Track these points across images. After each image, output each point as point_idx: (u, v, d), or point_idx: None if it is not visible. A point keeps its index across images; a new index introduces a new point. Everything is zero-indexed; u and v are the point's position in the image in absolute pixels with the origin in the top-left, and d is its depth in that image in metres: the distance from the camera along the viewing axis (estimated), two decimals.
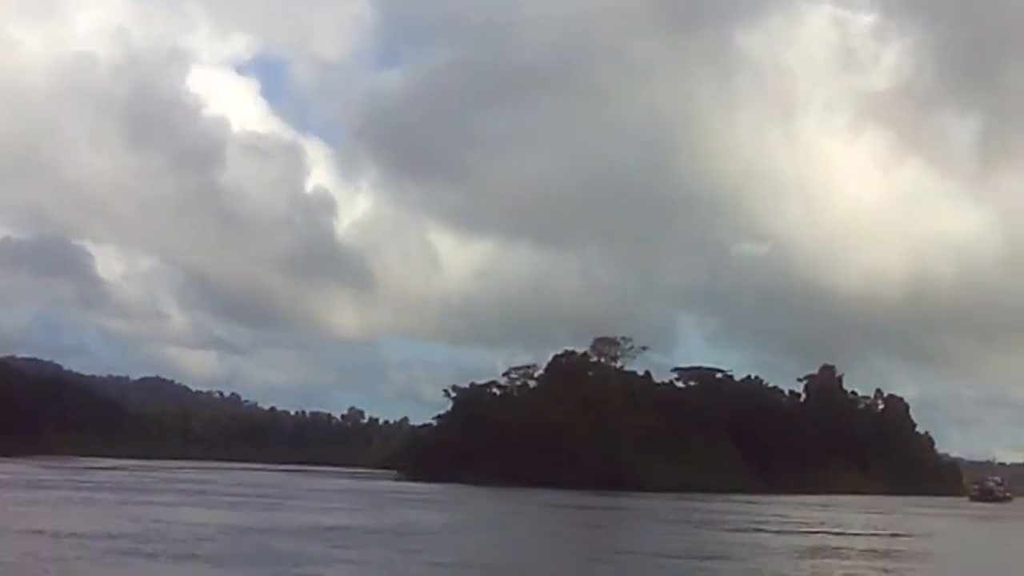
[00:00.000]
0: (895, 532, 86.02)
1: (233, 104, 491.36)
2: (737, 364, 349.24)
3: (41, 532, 46.90)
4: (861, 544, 67.20)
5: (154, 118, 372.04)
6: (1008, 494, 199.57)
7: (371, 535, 55.03)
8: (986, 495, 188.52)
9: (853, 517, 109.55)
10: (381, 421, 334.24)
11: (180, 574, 36.07)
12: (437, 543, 52.79)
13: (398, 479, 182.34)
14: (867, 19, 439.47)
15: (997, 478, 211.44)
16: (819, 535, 75.71)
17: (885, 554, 60.13)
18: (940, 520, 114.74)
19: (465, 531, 65.70)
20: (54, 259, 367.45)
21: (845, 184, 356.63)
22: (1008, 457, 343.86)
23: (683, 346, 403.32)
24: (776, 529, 79.81)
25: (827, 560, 54.16)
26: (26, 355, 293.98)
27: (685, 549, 56.56)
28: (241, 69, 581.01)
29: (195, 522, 57.67)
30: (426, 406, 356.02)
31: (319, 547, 45.94)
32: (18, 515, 56.55)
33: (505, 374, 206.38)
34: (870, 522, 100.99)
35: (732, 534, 72.56)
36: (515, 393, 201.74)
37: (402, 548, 48.09)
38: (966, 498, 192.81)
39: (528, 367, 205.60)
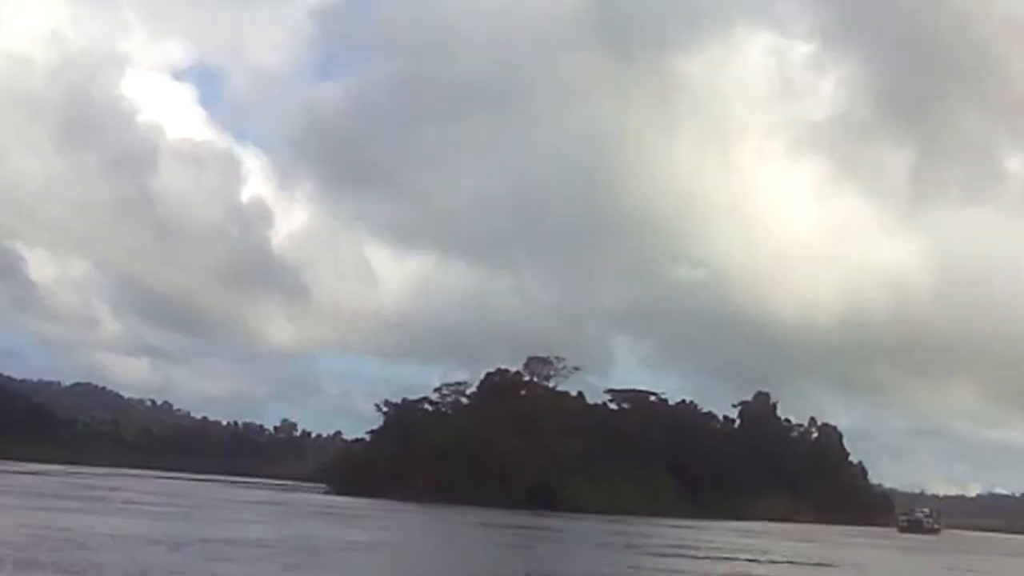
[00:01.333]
0: (819, 562, 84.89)
1: (169, 110, 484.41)
2: (672, 388, 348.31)
3: None
4: (783, 573, 65.89)
5: (89, 122, 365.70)
6: (936, 526, 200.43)
7: (264, 548, 52.70)
8: (915, 526, 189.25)
9: (781, 545, 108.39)
10: (314, 435, 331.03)
11: None
12: (331, 559, 50.57)
13: (327, 492, 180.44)
14: (805, 48, 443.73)
15: (926, 510, 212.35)
16: (741, 562, 74.21)
17: None
18: (867, 551, 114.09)
19: (372, 547, 63.37)
20: None
21: (781, 211, 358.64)
22: (941, 489, 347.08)
23: (619, 368, 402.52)
24: (700, 555, 78.35)
25: None
26: None
27: (596, 572, 54.87)
28: (178, 75, 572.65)
29: (83, 530, 55.06)
30: (360, 421, 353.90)
31: (196, 560, 43.61)
32: None
33: (437, 390, 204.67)
34: (796, 550, 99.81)
35: (654, 558, 71.00)
36: (447, 410, 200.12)
37: (289, 563, 45.84)
38: (895, 529, 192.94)
39: (460, 384, 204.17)
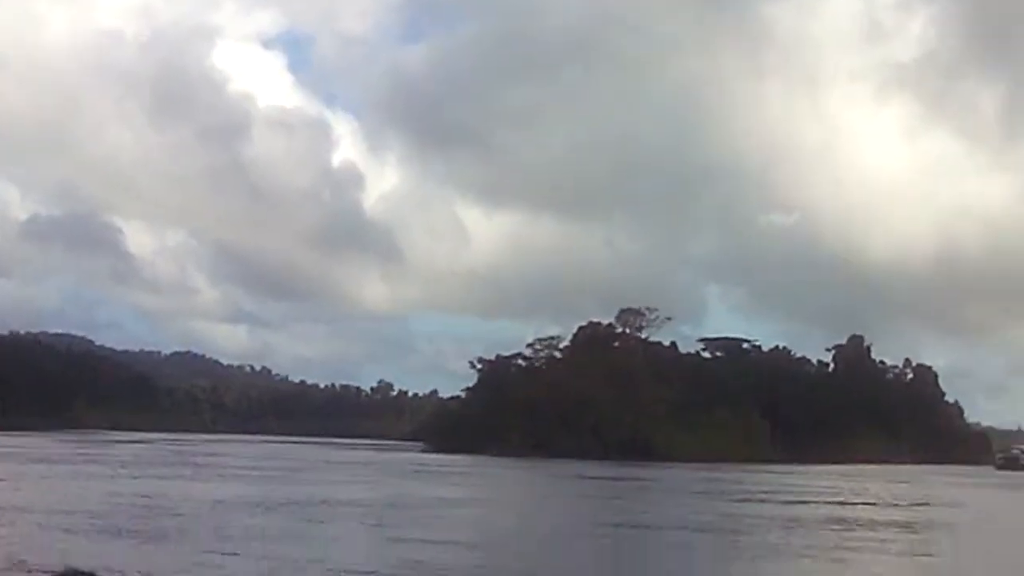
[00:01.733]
0: (915, 502, 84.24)
1: (259, 79, 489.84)
2: (765, 335, 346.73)
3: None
4: (877, 514, 65.64)
5: (180, 94, 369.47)
6: None
7: (358, 508, 53.91)
8: (1012, 463, 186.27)
9: (876, 486, 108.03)
10: (410, 394, 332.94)
11: (101, 550, 34.61)
12: (420, 517, 51.49)
13: (424, 451, 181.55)
14: None
15: (1023, 447, 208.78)
16: (835, 505, 74.13)
17: (905, 525, 58.50)
18: (963, 490, 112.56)
19: (462, 503, 64.40)
20: (84, 235, 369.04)
21: (872, 154, 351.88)
22: None
23: (711, 317, 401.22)
24: (795, 500, 78.36)
25: (840, 531, 52.39)
26: (58, 331, 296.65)
27: (697, 521, 55.16)
28: (267, 44, 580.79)
29: (183, 496, 56.79)
30: (455, 379, 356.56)
31: (290, 521, 44.84)
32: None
33: (530, 345, 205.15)
34: (892, 491, 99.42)
35: (747, 504, 71.11)
36: (540, 365, 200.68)
37: (377, 522, 46.87)
38: (992, 467, 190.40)
39: (553, 338, 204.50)
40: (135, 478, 73.75)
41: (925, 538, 50.73)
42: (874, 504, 78.40)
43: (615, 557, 39.18)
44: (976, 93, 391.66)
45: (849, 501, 79.72)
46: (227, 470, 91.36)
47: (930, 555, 42.60)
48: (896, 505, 79.44)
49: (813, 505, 73.46)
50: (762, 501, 75.08)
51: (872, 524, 57.88)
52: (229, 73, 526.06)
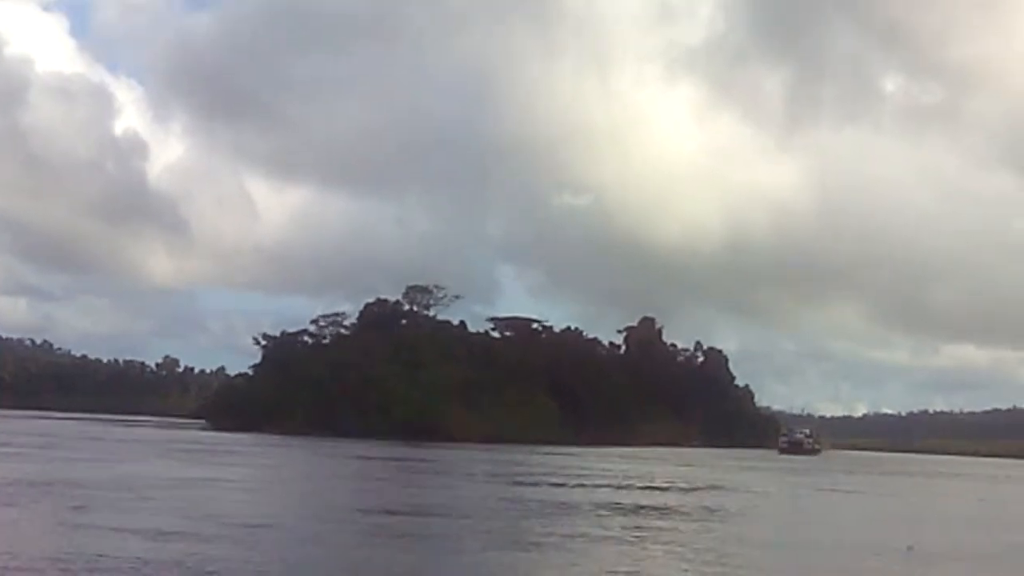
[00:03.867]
0: (692, 487, 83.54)
1: (38, 43, 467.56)
2: (559, 316, 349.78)
3: None
4: (646, 499, 63.83)
5: None
6: (817, 446, 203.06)
7: (77, 489, 48.64)
8: (795, 447, 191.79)
9: (657, 470, 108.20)
10: (197, 371, 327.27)
11: None
12: (145, 499, 46.64)
13: (205, 429, 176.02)
14: None
15: (806, 430, 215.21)
16: (614, 489, 72.77)
17: (664, 509, 56.68)
18: (743, 474, 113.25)
19: (212, 485, 59.42)
20: None
21: (662, 137, 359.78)
22: (828, 410, 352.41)
23: (505, 297, 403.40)
24: (579, 483, 76.85)
25: (601, 516, 49.86)
26: None
27: (464, 505, 52.16)
28: (46, 7, 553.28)
29: None
30: (244, 356, 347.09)
31: None
32: None
33: (314, 322, 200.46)
34: (671, 475, 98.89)
35: (530, 488, 68.23)
36: (326, 342, 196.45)
37: (82, 504, 41.91)
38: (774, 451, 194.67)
39: (338, 315, 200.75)
40: None
41: (677, 525, 48.38)
42: (648, 488, 77.00)
43: (346, 548, 35.67)
44: (762, 78, 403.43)
45: (623, 485, 77.97)
46: None
47: (672, 542, 40.37)
48: (668, 489, 78.44)
49: (588, 488, 71.30)
50: (536, 484, 72.52)
51: (636, 509, 56.18)
52: (6, 36, 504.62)
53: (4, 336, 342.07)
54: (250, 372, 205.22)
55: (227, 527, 37.08)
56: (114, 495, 47.30)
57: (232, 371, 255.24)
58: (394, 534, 39.62)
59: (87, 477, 56.87)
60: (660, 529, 45.39)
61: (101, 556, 28.59)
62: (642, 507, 57.70)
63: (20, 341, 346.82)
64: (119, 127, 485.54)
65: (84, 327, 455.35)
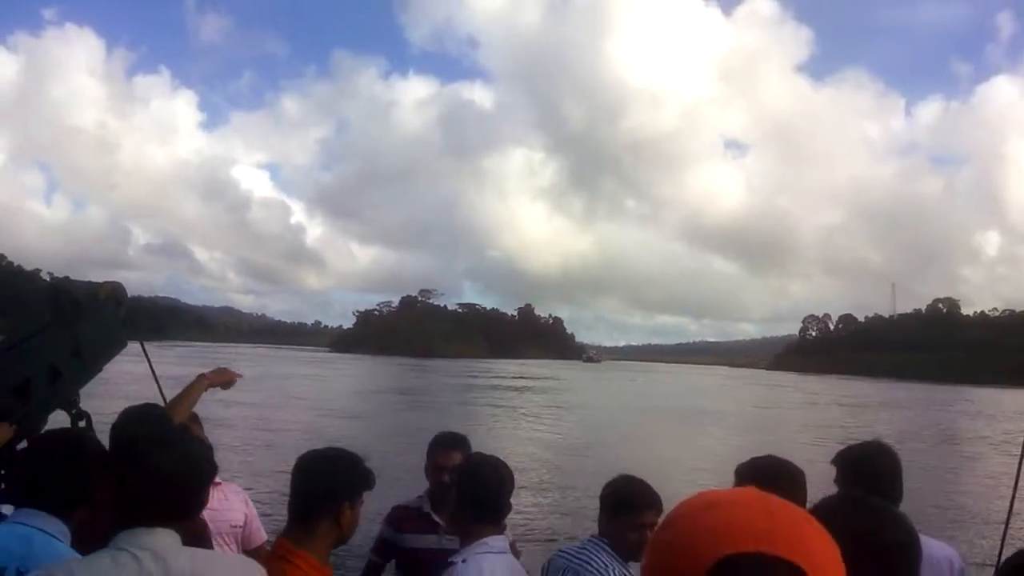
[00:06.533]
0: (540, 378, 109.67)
1: None
2: None
3: None
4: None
5: None
6: (600, 359, 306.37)
7: None
8: (590, 359, 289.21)
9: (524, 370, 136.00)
10: None
11: None
12: None
13: None
14: None
15: (594, 350, 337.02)
16: (497, 379, 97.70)
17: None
18: (566, 371, 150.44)
19: None
20: None
21: None
22: (609, 342, 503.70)
23: None
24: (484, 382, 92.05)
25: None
26: None
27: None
28: None
29: None
30: None
31: None
32: None
33: None
34: (527, 372, 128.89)
35: None
36: None
37: None
38: (580, 361, 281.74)
39: None
40: None
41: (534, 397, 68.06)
42: (516, 378, 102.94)
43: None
44: None
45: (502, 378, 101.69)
46: None
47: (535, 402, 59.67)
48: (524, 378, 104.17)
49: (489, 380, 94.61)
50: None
51: (513, 388, 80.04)
52: None
53: None
54: None
55: None
56: None
57: None
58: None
59: None
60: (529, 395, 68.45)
61: None
62: (516, 388, 79.20)
63: None
64: None
65: None
